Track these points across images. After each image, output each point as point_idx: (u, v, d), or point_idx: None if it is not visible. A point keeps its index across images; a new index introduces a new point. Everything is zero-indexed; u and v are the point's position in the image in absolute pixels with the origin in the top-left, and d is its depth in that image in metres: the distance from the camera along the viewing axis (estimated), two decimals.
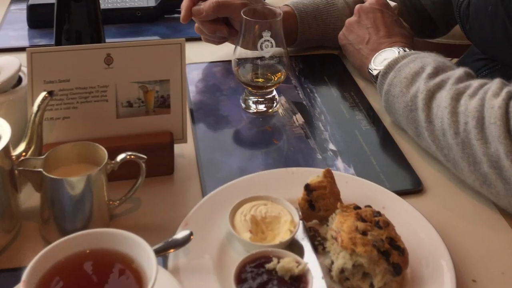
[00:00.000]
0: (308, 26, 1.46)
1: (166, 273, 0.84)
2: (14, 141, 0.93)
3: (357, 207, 0.92)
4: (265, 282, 0.83)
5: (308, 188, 0.95)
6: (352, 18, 1.41)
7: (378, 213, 0.90)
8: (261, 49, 1.21)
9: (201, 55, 1.47)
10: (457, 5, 1.35)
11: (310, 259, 0.89)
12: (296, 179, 1.02)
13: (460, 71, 1.14)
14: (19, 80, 1.11)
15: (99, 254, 0.76)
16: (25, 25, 1.57)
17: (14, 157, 0.93)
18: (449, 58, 1.23)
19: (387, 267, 0.84)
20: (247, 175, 1.05)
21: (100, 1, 1.27)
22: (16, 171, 0.93)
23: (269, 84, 1.26)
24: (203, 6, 1.36)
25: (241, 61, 1.25)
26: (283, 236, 0.91)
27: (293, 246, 0.92)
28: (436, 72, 1.14)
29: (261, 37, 1.21)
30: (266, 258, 0.86)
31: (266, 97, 1.28)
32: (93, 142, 0.96)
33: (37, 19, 1.55)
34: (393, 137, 1.21)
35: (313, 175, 0.98)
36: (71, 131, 1.05)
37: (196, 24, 1.42)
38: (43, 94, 0.97)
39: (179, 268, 0.88)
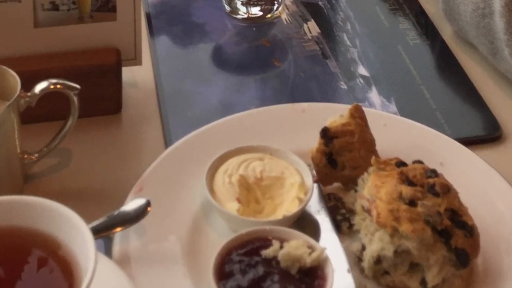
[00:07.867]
0: None
1: (110, 264, 0.85)
2: None
3: (401, 163, 0.92)
4: (260, 278, 0.82)
5: (326, 134, 0.95)
6: None
7: (434, 173, 0.90)
8: None
9: None
10: None
11: (329, 242, 0.89)
12: (308, 121, 1.03)
13: None
14: None
15: (7, 235, 0.76)
16: None
17: None
18: None
19: (447, 255, 0.85)
20: (233, 114, 1.06)
21: None
22: None
23: None
24: None
25: None
26: (289, 207, 0.92)
27: (304, 222, 0.92)
28: None
29: None
30: (262, 241, 0.86)
31: None
32: None
33: None
34: (456, 56, 1.22)
35: (334, 114, 0.98)
36: None
37: None
38: None
39: (130, 256, 0.89)
